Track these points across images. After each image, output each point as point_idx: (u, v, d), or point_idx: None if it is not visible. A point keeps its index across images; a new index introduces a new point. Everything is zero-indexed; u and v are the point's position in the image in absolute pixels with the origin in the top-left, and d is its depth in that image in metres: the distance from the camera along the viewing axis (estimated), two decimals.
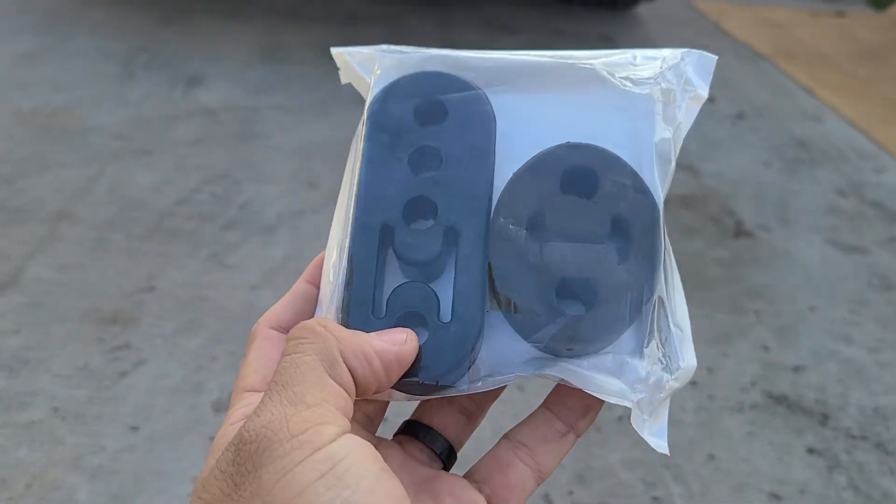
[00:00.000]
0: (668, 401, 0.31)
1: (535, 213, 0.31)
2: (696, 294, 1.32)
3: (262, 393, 0.26)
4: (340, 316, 0.29)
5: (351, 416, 0.25)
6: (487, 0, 2.75)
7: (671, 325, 0.31)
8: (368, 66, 0.35)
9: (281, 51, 2.18)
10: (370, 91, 0.34)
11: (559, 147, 0.31)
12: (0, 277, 1.16)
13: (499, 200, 0.31)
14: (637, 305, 0.30)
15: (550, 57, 0.34)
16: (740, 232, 1.54)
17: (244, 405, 0.28)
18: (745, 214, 1.60)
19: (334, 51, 0.37)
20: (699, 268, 1.40)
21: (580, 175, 0.31)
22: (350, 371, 0.26)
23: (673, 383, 0.30)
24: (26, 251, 1.22)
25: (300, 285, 0.32)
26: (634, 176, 0.31)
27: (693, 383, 1.09)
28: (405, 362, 0.27)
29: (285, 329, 0.31)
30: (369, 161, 0.31)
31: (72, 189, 1.41)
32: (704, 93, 0.34)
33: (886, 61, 2.62)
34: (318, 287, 0.31)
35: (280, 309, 0.31)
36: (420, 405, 0.33)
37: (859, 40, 2.81)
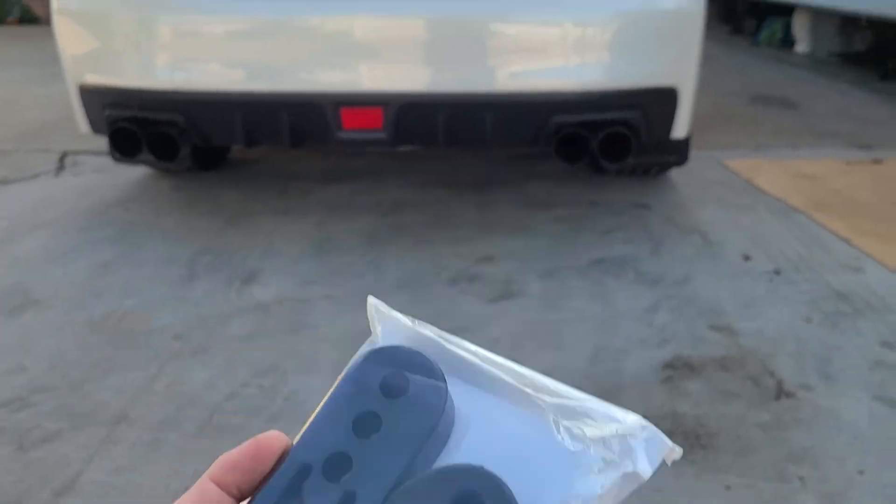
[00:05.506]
0: None
1: None
2: (737, 462, 1.29)
3: None
4: None
5: None
6: (523, 179, 2.92)
7: None
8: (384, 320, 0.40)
9: (330, 242, 2.35)
10: (360, 349, 0.39)
11: (465, 467, 0.34)
12: (60, 483, 1.24)
13: (394, 496, 0.34)
14: None
15: (520, 377, 0.37)
16: (782, 393, 1.52)
17: None
18: (786, 374, 1.58)
19: (370, 301, 0.42)
20: (740, 433, 1.38)
21: (466, 500, 0.33)
22: None
23: None
24: (85, 455, 1.30)
25: (205, 483, 0.33)
26: None
27: None
28: None
29: None
30: (324, 409, 0.36)
31: (132, 391, 1.52)
32: (646, 473, 0.34)
33: None
34: (219, 486, 0.33)
35: None
36: None
37: None
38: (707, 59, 5.37)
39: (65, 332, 1.77)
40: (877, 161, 3.15)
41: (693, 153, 2.86)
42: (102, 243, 2.33)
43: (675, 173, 2.94)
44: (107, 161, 3.00)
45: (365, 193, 2.78)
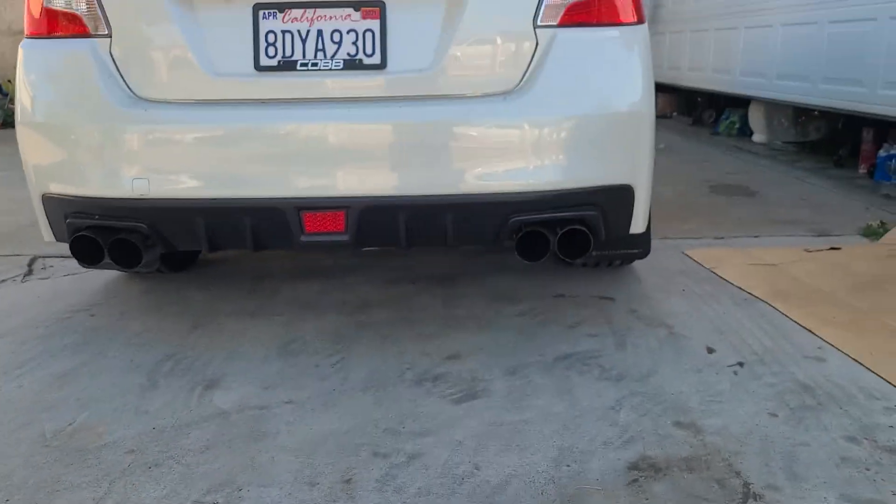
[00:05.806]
0: None
1: None
2: None
3: None
4: None
5: None
6: (490, 272, 2.94)
7: None
8: None
9: (296, 343, 2.32)
10: None
11: None
12: None
13: None
14: None
15: None
16: (749, 495, 1.49)
17: None
18: (752, 474, 1.56)
19: None
20: None
21: None
22: None
23: None
24: None
25: None
26: None
27: None
28: None
29: None
30: None
31: None
32: None
33: (886, 291, 2.66)
34: None
35: None
36: None
37: (856, 272, 2.88)
38: (669, 150, 5.56)
39: (14, 451, 1.71)
40: (834, 248, 3.22)
41: (656, 243, 2.91)
42: (63, 352, 2.29)
43: (639, 264, 2.98)
44: (77, 265, 2.98)
45: (332, 292, 2.78)
